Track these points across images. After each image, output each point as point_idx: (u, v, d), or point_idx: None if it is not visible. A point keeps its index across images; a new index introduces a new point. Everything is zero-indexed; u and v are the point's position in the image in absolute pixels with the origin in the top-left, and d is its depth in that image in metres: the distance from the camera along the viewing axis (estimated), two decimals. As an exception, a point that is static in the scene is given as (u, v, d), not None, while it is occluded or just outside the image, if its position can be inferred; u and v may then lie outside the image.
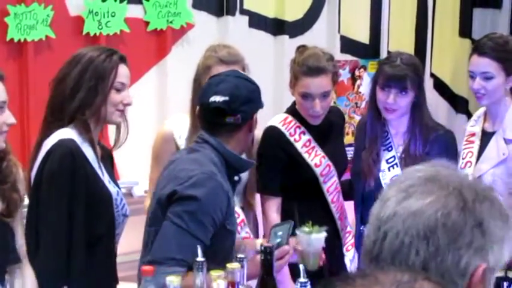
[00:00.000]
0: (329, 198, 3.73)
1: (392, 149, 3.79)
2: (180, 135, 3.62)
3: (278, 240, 2.93)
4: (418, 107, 3.71)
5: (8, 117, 2.74)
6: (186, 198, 2.80)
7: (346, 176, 4.07)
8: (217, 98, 2.93)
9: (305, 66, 3.57)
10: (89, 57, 3.14)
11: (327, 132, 3.77)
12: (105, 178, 3.17)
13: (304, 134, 3.70)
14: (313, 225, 3.14)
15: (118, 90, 3.15)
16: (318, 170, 3.70)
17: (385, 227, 1.38)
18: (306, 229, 3.13)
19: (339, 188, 3.78)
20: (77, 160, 3.03)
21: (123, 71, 3.17)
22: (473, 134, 3.81)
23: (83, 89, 3.10)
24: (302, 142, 3.69)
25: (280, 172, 3.64)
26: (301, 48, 3.72)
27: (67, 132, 3.08)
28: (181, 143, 3.58)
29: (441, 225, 1.36)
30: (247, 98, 2.96)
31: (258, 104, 3.03)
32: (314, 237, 3.13)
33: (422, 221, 1.36)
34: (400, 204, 1.39)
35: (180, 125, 3.65)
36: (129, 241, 3.36)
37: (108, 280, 3.23)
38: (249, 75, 3.30)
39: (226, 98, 2.92)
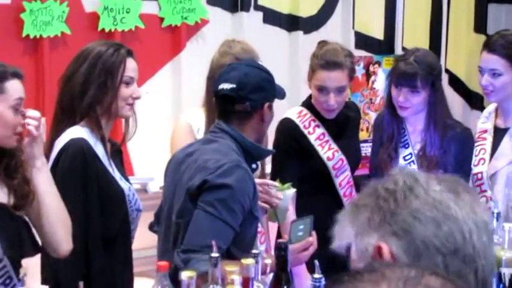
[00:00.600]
0: (341, 192, 3.74)
1: (409, 146, 3.78)
2: (198, 128, 3.62)
3: (300, 233, 2.94)
4: (433, 106, 3.70)
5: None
6: (217, 186, 2.83)
7: (365, 171, 4.08)
8: (225, 86, 2.95)
9: (322, 60, 3.61)
10: (97, 53, 3.13)
11: (342, 126, 3.79)
12: (116, 175, 3.18)
13: (318, 127, 3.72)
14: (281, 183, 3.31)
15: (127, 84, 3.15)
16: (330, 164, 3.72)
17: (467, 226, 1.39)
18: (280, 185, 3.28)
19: (352, 183, 3.79)
20: (88, 159, 3.04)
21: (131, 65, 3.18)
22: (485, 131, 3.80)
23: (93, 86, 3.10)
24: (316, 135, 3.72)
25: (294, 163, 3.66)
26: (322, 43, 3.74)
27: (78, 131, 3.08)
28: (199, 137, 3.58)
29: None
30: (257, 86, 2.95)
31: (270, 94, 3.02)
32: (288, 193, 3.28)
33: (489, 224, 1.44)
34: (460, 204, 1.41)
35: (196, 118, 3.65)
36: (144, 237, 3.37)
37: (126, 275, 3.25)
38: None
39: (234, 86, 2.93)
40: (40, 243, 2.88)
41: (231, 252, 2.82)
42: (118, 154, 3.34)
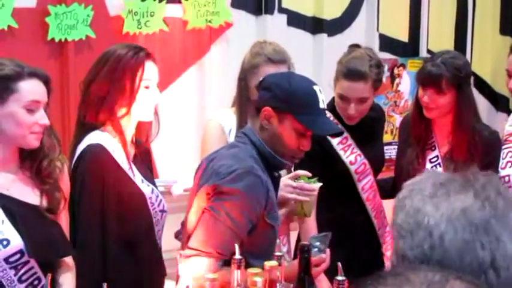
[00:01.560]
0: (364, 196, 3.71)
1: (435, 148, 3.76)
2: (230, 129, 3.59)
3: (315, 250, 2.92)
4: (460, 108, 3.66)
5: (41, 117, 2.76)
6: (225, 192, 2.81)
7: (389, 174, 4.06)
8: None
9: (346, 69, 3.55)
10: (116, 56, 3.13)
11: (365, 130, 3.75)
12: (137, 178, 3.18)
13: None
14: (308, 178, 3.28)
15: (146, 88, 3.15)
16: (352, 168, 3.68)
17: (438, 231, 1.38)
18: (306, 179, 3.26)
19: (375, 187, 3.76)
20: (105, 165, 3.03)
21: (150, 69, 3.16)
22: (512, 134, 3.77)
23: (112, 90, 3.11)
24: (338, 139, 3.67)
25: (316, 167, 3.61)
26: (351, 48, 3.69)
27: (97, 136, 3.09)
28: (231, 139, 3.56)
29: (492, 215, 1.38)
30: (267, 85, 2.92)
31: (280, 103, 2.88)
32: (315, 186, 3.26)
33: (475, 215, 1.38)
34: (440, 207, 1.40)
35: (228, 119, 3.61)
36: (168, 239, 3.38)
37: (155, 276, 3.25)
38: None
39: (261, 78, 3.01)
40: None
41: (248, 263, 2.74)
42: (145, 155, 3.35)
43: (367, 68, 3.54)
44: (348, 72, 3.54)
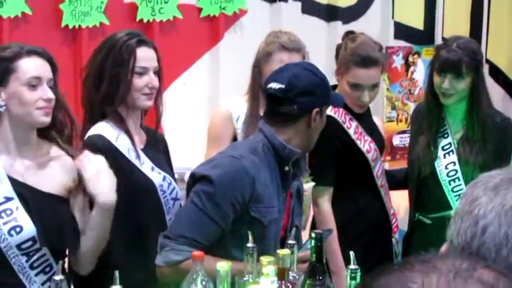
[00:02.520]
0: (378, 182, 3.70)
1: (448, 135, 3.74)
2: (238, 116, 3.58)
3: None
4: (475, 93, 3.65)
5: (45, 92, 2.73)
6: (202, 178, 2.80)
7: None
8: (274, 85, 2.85)
9: (357, 56, 3.53)
10: (109, 44, 3.12)
11: (368, 115, 3.75)
12: (146, 167, 3.15)
13: (352, 120, 3.66)
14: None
15: (140, 75, 3.11)
16: (369, 156, 3.67)
17: (484, 221, 1.38)
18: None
19: (384, 172, 3.77)
20: (103, 155, 2.96)
21: (142, 55, 3.12)
22: (525, 120, 3.75)
23: (105, 80, 3.08)
24: (353, 129, 3.66)
25: (334, 161, 3.59)
26: (351, 36, 3.67)
27: (98, 128, 3.08)
28: (238, 126, 3.56)
29: None
30: (306, 89, 2.83)
31: (320, 99, 2.89)
32: (309, 186, 3.27)
33: None
34: (494, 201, 1.40)
35: (237, 107, 3.61)
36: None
37: None
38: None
39: (282, 86, 2.82)
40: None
41: (231, 254, 2.77)
42: (157, 142, 3.33)
43: (377, 53, 3.55)
44: (361, 59, 3.52)
